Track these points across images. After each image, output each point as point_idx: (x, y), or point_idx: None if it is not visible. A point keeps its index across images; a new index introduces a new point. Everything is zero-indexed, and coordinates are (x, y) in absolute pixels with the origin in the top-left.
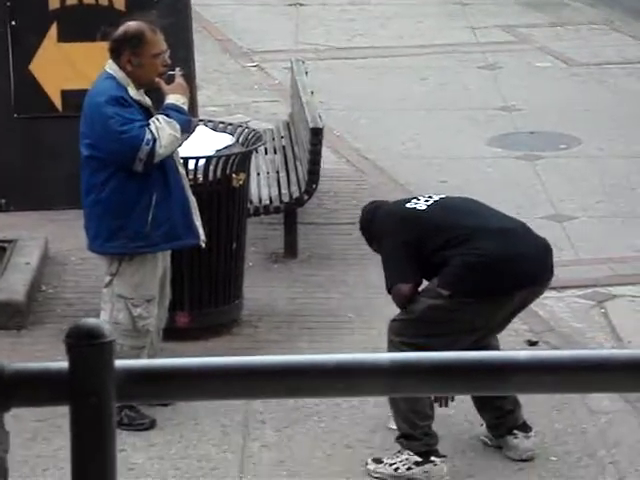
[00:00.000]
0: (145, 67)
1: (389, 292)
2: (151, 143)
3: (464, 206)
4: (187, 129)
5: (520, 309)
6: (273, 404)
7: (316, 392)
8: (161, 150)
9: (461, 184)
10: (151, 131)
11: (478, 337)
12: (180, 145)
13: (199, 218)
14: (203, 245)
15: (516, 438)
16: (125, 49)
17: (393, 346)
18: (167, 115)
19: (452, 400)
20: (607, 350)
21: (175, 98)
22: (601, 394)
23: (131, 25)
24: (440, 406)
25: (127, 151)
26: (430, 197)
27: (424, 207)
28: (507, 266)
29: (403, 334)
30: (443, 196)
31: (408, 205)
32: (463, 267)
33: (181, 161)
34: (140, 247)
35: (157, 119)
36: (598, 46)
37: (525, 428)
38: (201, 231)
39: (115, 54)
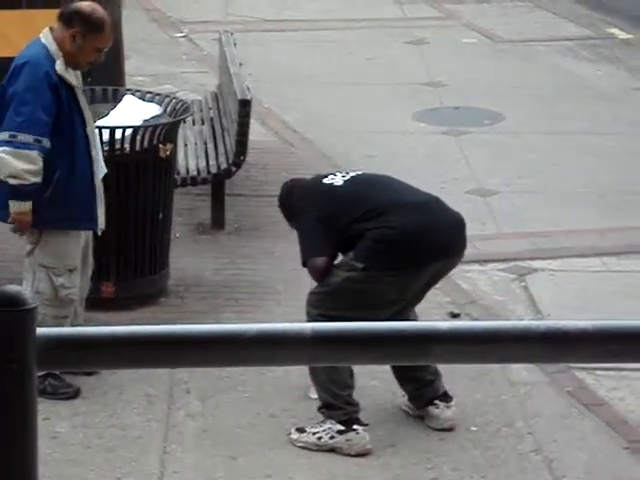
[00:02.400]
0: (83, 53)
1: (304, 265)
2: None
3: (380, 181)
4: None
5: (433, 281)
6: (198, 374)
7: (238, 361)
8: None
9: (387, 158)
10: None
11: (393, 311)
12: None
13: (103, 205)
14: (99, 233)
15: (437, 408)
16: (79, 25)
17: (311, 318)
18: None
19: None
20: (526, 321)
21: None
22: (520, 366)
23: (100, 10)
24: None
25: (6, 126)
26: (347, 173)
27: (340, 182)
28: (420, 239)
29: (320, 306)
30: (360, 172)
31: (325, 181)
32: (377, 240)
33: (98, 145)
34: (35, 221)
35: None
36: (523, 23)
37: (446, 398)
38: (101, 219)
39: (65, 22)
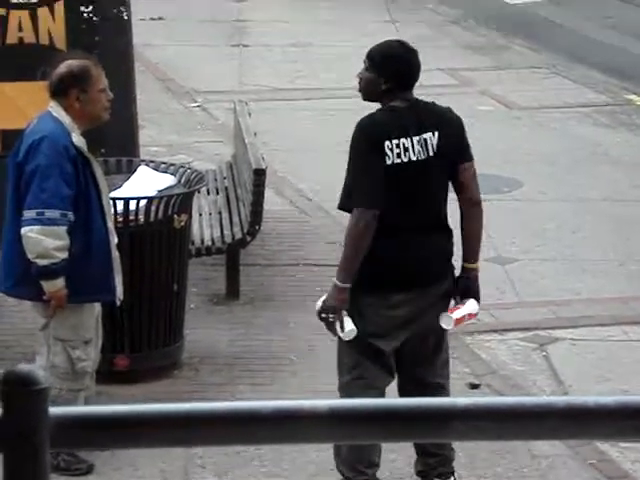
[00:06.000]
0: (93, 103)
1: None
2: (38, 224)
3: (415, 192)
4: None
5: (416, 325)
6: (213, 448)
7: (254, 439)
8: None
9: None
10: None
11: (392, 341)
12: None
13: (120, 275)
14: (118, 303)
15: None
16: (73, 87)
17: (342, 390)
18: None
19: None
20: (545, 397)
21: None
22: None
23: (74, 62)
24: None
25: (32, 204)
26: (406, 151)
27: (394, 161)
28: (386, 267)
29: (342, 367)
30: (413, 159)
31: (387, 148)
32: (364, 262)
33: (112, 214)
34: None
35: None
36: (539, 90)
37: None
38: (119, 289)
39: (61, 93)
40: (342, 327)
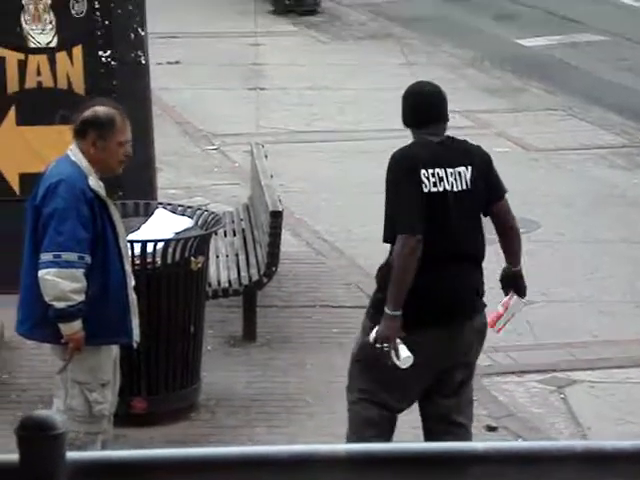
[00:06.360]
0: (108, 152)
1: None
2: (56, 267)
3: (450, 222)
4: (56, 315)
5: (453, 350)
6: None
7: None
8: (51, 279)
9: None
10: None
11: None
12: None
13: (137, 317)
14: (135, 345)
15: None
16: (92, 131)
17: (350, 404)
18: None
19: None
20: (564, 442)
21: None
22: None
23: (102, 109)
24: None
25: (49, 247)
26: (441, 181)
27: (424, 191)
28: (423, 301)
29: (353, 384)
30: (448, 189)
31: (423, 176)
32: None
33: (129, 257)
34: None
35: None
36: (555, 131)
37: None
38: (136, 331)
39: (81, 135)
40: (397, 355)
